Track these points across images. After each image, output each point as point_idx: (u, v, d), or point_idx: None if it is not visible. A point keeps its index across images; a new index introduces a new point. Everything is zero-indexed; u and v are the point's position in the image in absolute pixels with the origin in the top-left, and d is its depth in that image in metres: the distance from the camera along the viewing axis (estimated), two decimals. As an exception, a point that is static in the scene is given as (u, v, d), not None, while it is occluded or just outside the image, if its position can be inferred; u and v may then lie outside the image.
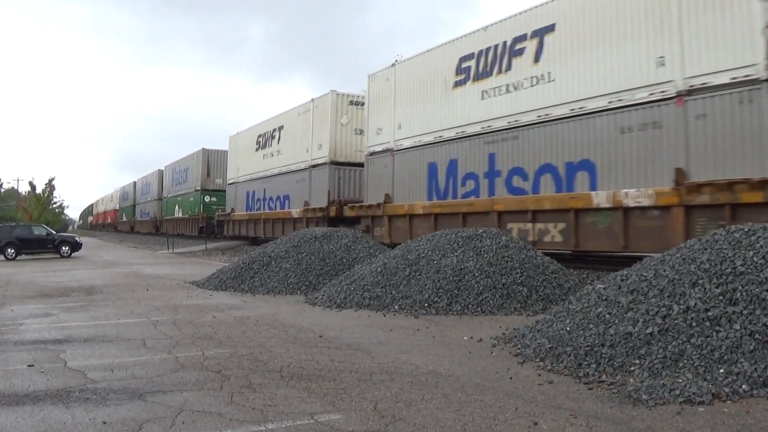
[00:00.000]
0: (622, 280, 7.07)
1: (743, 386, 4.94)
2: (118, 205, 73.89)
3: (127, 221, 65.66)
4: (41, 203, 62.20)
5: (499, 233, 11.63)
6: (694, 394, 4.85)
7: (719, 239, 6.73)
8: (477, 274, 10.36)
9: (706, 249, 6.62)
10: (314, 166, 23.88)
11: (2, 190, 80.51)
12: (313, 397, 5.18)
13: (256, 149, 30.07)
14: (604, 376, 5.60)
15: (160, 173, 50.68)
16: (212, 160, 37.93)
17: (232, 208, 32.73)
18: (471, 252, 10.88)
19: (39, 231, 29.11)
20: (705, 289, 6.01)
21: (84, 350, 7.19)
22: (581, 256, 14.53)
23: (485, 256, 10.76)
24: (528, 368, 6.14)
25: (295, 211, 24.75)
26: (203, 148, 37.85)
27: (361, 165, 21.72)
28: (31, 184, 69.73)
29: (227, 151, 35.94)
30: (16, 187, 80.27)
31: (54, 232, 30.94)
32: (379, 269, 11.31)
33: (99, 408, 4.89)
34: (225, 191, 35.55)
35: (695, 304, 5.89)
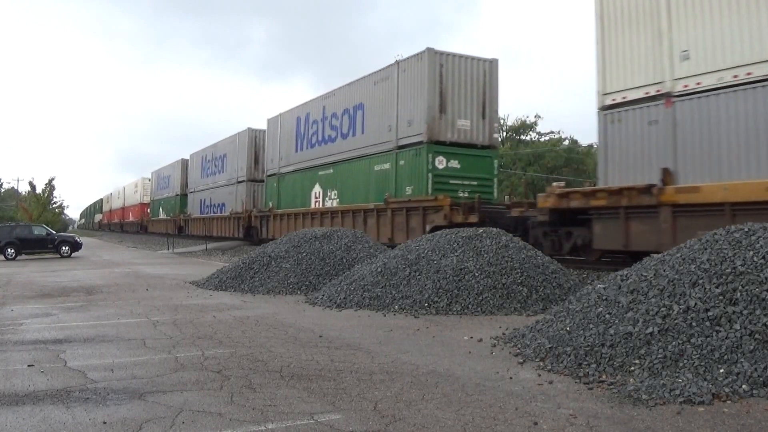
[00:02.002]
0: (622, 280, 7.08)
1: (743, 386, 4.94)
2: (148, 197, 54.88)
3: (170, 219, 45.85)
4: (41, 203, 62.08)
5: (499, 233, 11.63)
6: (694, 394, 4.85)
7: (719, 239, 6.74)
8: (477, 274, 10.36)
9: (706, 249, 6.63)
10: None
11: (2, 190, 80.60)
12: (313, 397, 5.18)
13: None
14: (604, 376, 5.60)
15: (252, 136, 31.67)
16: (449, 78, 18.00)
17: (666, 169, 11.30)
18: (471, 252, 10.88)
19: (39, 231, 29.12)
20: (705, 289, 6.01)
21: (84, 350, 7.19)
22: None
23: (485, 256, 10.75)
24: (528, 368, 6.14)
25: None
26: (428, 48, 17.95)
27: None
28: (31, 184, 69.79)
29: (483, 60, 18.56)
30: (16, 187, 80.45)
31: (54, 232, 30.95)
32: (379, 269, 11.31)
33: (99, 408, 4.89)
34: (477, 149, 18.31)
35: (695, 304, 5.90)
